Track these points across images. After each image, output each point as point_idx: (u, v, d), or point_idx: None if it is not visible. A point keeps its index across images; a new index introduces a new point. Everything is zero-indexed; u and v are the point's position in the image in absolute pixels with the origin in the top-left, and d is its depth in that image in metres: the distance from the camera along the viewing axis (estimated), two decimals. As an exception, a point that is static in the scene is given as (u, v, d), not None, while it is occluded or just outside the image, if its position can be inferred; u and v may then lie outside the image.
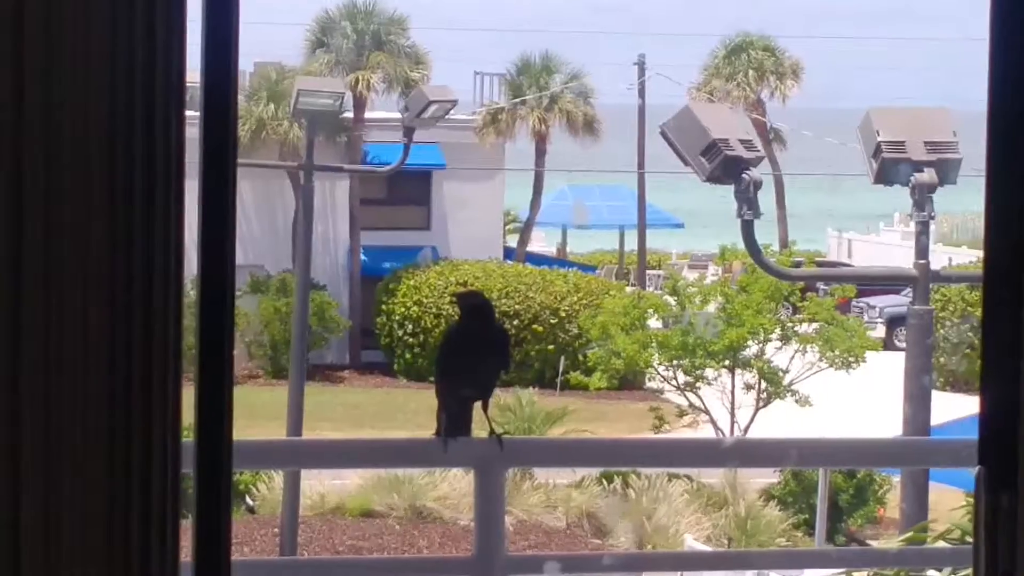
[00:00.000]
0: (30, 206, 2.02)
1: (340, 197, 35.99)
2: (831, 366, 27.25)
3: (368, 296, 35.52)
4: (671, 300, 28.57)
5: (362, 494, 23.18)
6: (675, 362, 27.35)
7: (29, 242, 2.02)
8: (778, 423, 26.12)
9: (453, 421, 4.26)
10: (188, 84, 2.16)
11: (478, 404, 4.34)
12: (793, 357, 27.31)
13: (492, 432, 4.21)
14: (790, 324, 27.75)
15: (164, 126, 2.07)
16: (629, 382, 30.93)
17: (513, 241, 40.96)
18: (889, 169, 15.26)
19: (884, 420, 21.17)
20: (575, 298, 33.91)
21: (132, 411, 2.04)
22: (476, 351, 4.26)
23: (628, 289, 36.33)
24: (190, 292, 2.10)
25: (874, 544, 22.62)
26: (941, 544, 6.50)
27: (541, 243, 47.26)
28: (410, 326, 34.17)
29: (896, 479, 21.04)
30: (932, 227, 16.30)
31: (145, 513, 2.03)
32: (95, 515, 2.02)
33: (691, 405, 27.65)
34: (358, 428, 28.63)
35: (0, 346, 2.00)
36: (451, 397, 4.29)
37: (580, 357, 31.20)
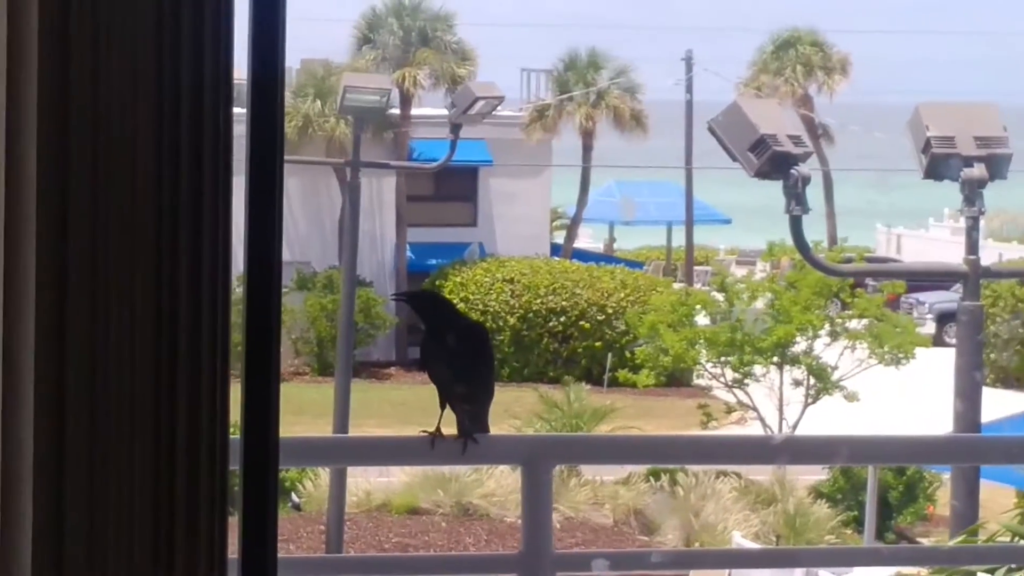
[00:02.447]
0: (76, 206, 2.02)
1: (387, 194, 36.05)
2: (880, 362, 27.14)
3: (415, 293, 35.52)
4: (719, 296, 28.51)
5: (408, 491, 23.22)
6: (723, 359, 27.29)
7: (75, 241, 2.02)
8: (827, 420, 26.03)
9: (472, 419, 4.20)
10: (235, 81, 2.16)
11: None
12: (842, 353, 27.21)
13: (437, 429, 4.15)
14: (839, 320, 27.65)
15: (212, 124, 2.07)
16: (677, 379, 30.87)
17: (560, 237, 40.93)
18: (939, 164, 15.19)
19: (934, 417, 21.07)
20: (622, 295, 33.86)
21: (179, 409, 2.04)
22: (452, 350, 4.17)
23: (675, 286, 36.28)
24: (237, 289, 2.09)
25: (924, 542, 22.51)
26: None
27: (588, 239, 47.23)
28: (457, 323, 34.13)
29: (946, 476, 20.93)
30: (982, 222, 16.22)
31: (192, 510, 2.03)
32: (141, 513, 2.02)
33: (739, 402, 27.58)
34: (404, 425, 28.64)
35: (45, 346, 2.00)
36: (450, 399, 4.21)
37: (627, 354, 31.15)
